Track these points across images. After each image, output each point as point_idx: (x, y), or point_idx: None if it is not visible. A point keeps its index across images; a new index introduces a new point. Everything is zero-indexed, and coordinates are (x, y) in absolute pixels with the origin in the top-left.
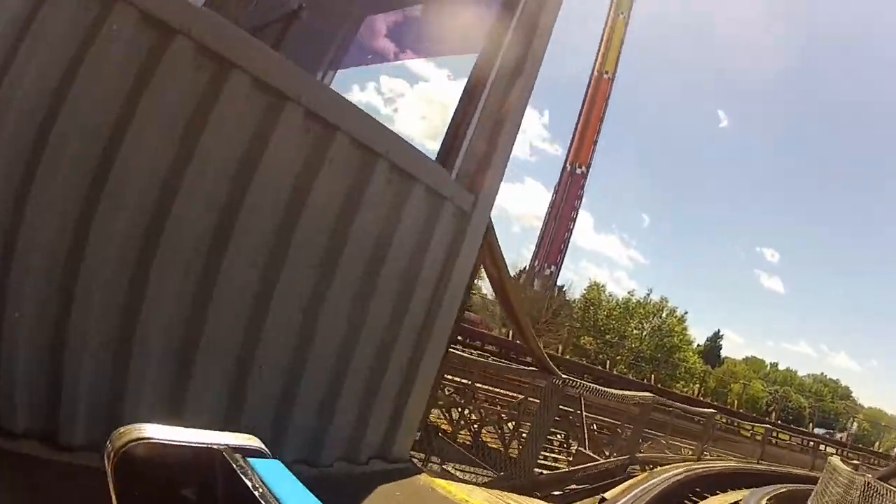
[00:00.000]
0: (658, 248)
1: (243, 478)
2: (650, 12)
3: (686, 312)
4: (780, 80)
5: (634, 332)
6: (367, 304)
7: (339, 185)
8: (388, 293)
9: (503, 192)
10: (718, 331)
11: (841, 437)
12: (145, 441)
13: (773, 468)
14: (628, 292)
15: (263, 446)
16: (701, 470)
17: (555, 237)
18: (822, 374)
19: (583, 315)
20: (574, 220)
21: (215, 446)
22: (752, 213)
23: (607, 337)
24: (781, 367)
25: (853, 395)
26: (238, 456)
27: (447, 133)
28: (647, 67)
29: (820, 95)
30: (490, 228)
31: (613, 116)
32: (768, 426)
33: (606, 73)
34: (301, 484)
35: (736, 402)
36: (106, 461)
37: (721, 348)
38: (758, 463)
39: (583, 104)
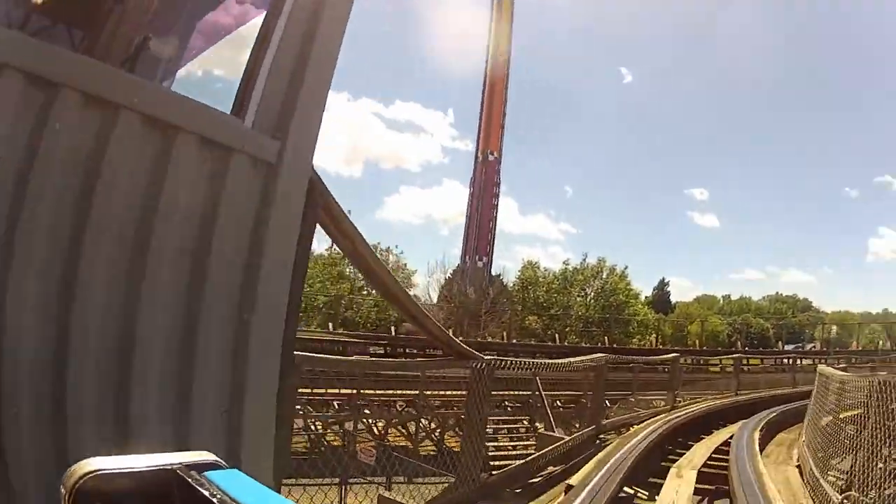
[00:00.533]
0: (587, 215)
1: (200, 489)
2: None
3: (626, 267)
4: (678, 24)
5: (578, 299)
6: (135, 303)
7: (71, 150)
8: (166, 283)
9: (425, 199)
10: (664, 279)
11: (812, 348)
12: (98, 474)
13: (755, 395)
14: (563, 262)
15: (219, 459)
16: (677, 420)
17: (480, 228)
18: (778, 293)
19: (522, 297)
20: (496, 206)
21: (169, 467)
22: (672, 159)
23: (552, 312)
24: (735, 297)
25: (815, 304)
26: (194, 472)
27: (240, 81)
28: (542, 39)
29: (718, 32)
30: (318, 185)
31: (517, 96)
32: (737, 355)
33: (502, 54)
34: (263, 486)
35: (697, 341)
36: (63, 502)
37: (670, 295)
38: (736, 395)
39: (483, 90)
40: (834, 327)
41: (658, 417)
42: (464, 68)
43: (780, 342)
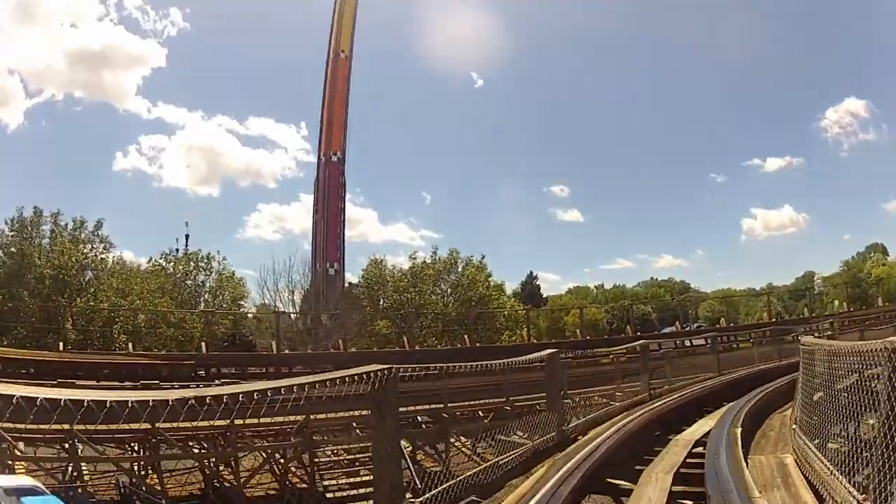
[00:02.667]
0: (447, 220)
1: None
2: None
3: (483, 257)
4: (521, 28)
5: (433, 297)
6: None
7: None
8: None
9: (283, 214)
10: (531, 272)
11: (699, 325)
12: None
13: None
14: (409, 256)
15: (38, 484)
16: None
17: (329, 233)
18: (652, 278)
19: (370, 298)
20: (343, 209)
21: None
22: (530, 159)
23: (401, 312)
24: (608, 286)
25: (693, 286)
26: (13, 498)
27: None
28: (388, 43)
29: (572, 31)
30: None
31: (367, 102)
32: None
33: (342, 52)
34: None
35: (578, 331)
36: None
37: (539, 288)
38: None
39: (324, 89)
40: (717, 305)
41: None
42: (313, 79)
43: (678, 321)
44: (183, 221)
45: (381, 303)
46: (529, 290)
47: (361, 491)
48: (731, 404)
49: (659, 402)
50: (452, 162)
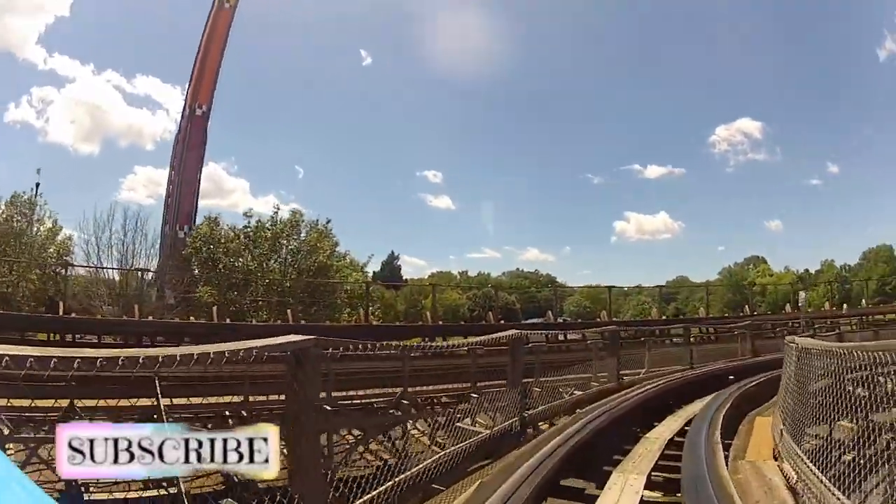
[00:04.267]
0: (320, 196)
1: None
2: None
3: (329, 221)
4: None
5: (274, 265)
6: None
7: None
8: None
9: (161, 179)
10: (393, 252)
11: (566, 319)
12: None
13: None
14: (244, 214)
15: None
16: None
17: (184, 191)
18: (518, 269)
19: (199, 262)
20: (200, 168)
21: None
22: (405, 142)
23: (233, 280)
24: (473, 274)
25: (559, 279)
26: None
27: None
28: (281, 14)
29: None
30: None
31: (247, 69)
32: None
33: (228, 2)
34: None
35: (429, 315)
36: None
37: (400, 269)
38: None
39: (202, 37)
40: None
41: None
42: None
43: (550, 313)
44: (61, 177)
45: (213, 268)
46: (390, 269)
47: None
48: (707, 399)
49: (632, 392)
50: (330, 138)
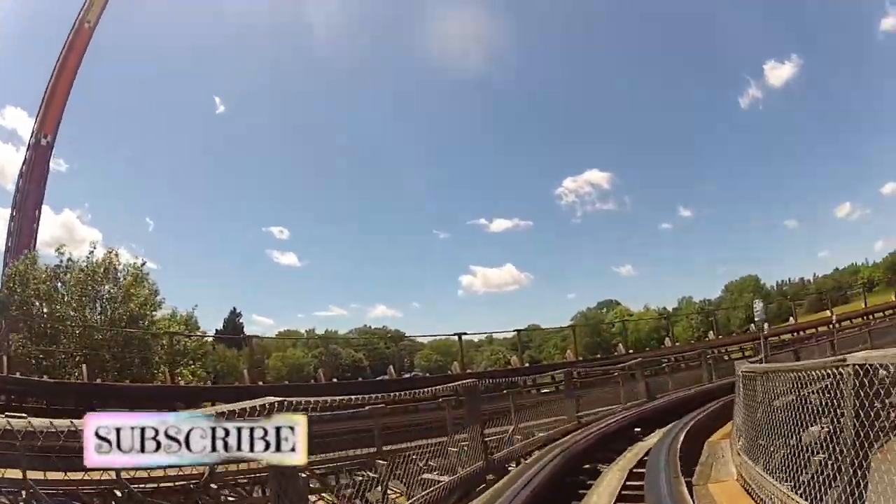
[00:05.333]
0: (169, 250)
1: None
2: None
3: (144, 262)
4: (274, 60)
5: (90, 313)
6: None
7: None
8: None
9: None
10: (235, 308)
11: (415, 374)
12: None
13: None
14: (56, 250)
15: None
16: None
17: (23, 228)
18: (366, 325)
19: (16, 305)
20: (41, 203)
21: None
22: (256, 197)
23: (44, 327)
24: (320, 331)
25: (408, 334)
26: None
27: None
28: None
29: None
30: None
31: (101, 111)
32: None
33: (88, 22)
34: None
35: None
36: None
37: (243, 328)
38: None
39: (57, 60)
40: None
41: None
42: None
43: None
44: None
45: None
46: (233, 327)
47: None
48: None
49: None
50: (178, 190)
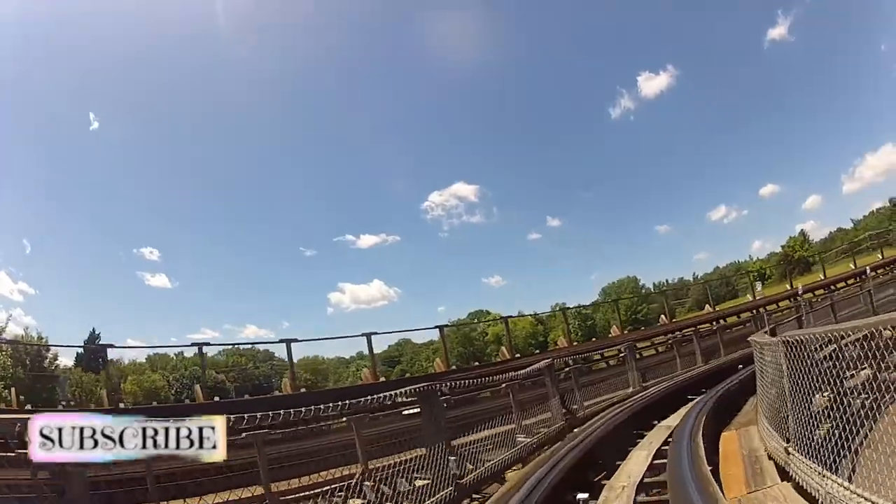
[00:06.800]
0: (47, 273)
1: None
2: None
3: None
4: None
5: None
6: None
7: None
8: None
9: None
10: (94, 329)
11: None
12: None
13: None
14: None
15: None
16: None
17: None
18: (235, 346)
19: None
20: None
21: None
22: (125, 216)
23: None
24: (189, 354)
25: (276, 355)
26: None
27: None
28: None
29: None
30: None
31: None
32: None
33: None
34: None
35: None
36: None
37: (105, 351)
38: None
39: None
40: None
41: None
42: None
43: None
44: None
45: None
46: (94, 352)
47: None
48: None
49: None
50: (58, 207)
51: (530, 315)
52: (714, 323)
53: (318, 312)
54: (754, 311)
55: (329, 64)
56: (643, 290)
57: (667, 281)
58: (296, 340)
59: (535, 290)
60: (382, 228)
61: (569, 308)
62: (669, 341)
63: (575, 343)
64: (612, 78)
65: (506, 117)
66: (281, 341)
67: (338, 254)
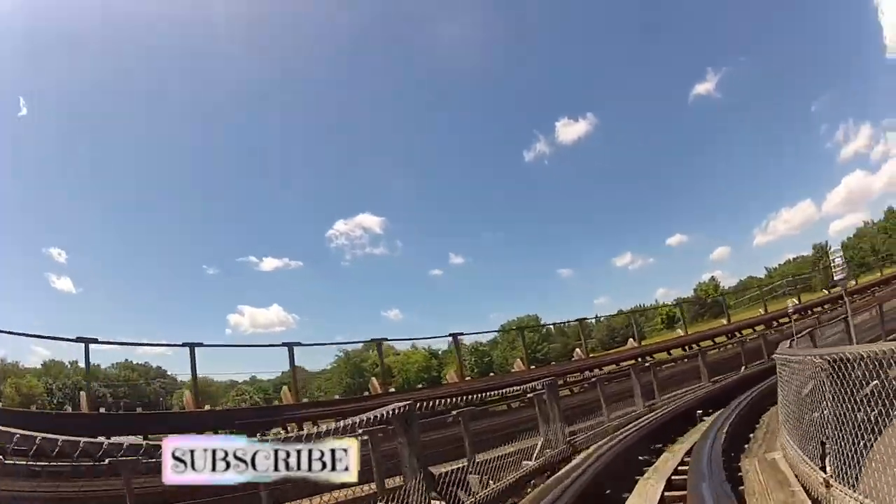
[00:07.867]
0: None
1: None
2: None
3: None
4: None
5: None
6: None
7: None
8: None
9: None
10: None
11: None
12: None
13: None
14: None
15: None
16: None
17: None
18: (127, 360)
19: None
20: None
21: None
22: (38, 213)
23: None
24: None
25: (170, 372)
26: None
27: None
28: None
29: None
30: None
31: None
32: None
33: None
34: None
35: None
36: None
37: None
38: None
39: None
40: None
41: None
42: None
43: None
44: None
45: None
46: None
47: None
48: None
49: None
50: None
51: (424, 349)
52: (640, 359)
53: (218, 333)
54: (686, 348)
55: (248, 75)
56: (543, 329)
57: (568, 322)
58: (201, 345)
59: (432, 326)
60: (286, 252)
61: (464, 340)
62: (592, 379)
63: (468, 378)
64: (530, 122)
65: (417, 150)
66: (184, 345)
67: (240, 274)
